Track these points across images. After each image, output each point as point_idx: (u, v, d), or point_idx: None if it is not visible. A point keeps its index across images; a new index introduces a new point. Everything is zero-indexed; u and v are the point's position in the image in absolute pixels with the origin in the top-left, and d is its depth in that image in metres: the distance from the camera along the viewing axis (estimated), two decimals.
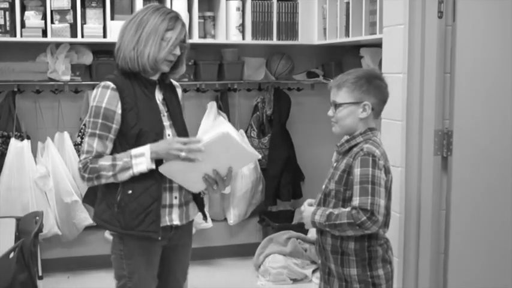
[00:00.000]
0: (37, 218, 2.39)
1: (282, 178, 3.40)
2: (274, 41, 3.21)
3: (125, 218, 1.58)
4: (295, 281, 3.06)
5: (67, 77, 2.99)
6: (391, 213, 1.64)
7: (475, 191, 1.96)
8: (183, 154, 1.53)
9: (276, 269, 3.03)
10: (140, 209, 1.58)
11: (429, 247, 1.97)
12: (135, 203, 1.58)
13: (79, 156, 2.01)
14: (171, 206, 1.64)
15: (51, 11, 2.89)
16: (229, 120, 3.38)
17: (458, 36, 1.91)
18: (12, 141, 2.95)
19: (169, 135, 1.65)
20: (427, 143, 1.96)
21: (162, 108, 1.66)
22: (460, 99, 1.93)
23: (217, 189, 1.62)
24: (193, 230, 2.95)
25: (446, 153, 1.96)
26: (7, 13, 2.85)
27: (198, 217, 3.27)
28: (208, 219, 3.23)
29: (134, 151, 1.56)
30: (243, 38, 3.19)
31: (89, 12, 2.96)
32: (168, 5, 3.04)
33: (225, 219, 3.44)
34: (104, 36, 2.97)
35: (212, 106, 3.32)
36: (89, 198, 2.98)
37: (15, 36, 2.86)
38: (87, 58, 3.07)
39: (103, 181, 1.58)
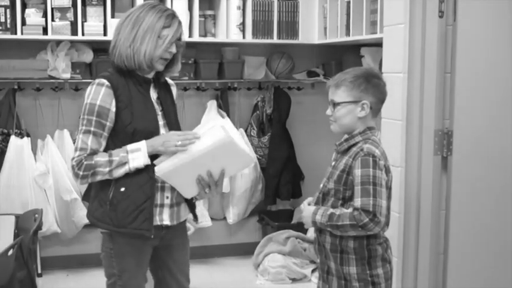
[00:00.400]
0: (36, 215, 2.39)
1: (281, 177, 3.40)
2: (275, 40, 3.20)
3: (117, 215, 1.57)
4: (294, 280, 3.06)
5: (67, 75, 2.99)
6: (390, 213, 1.64)
7: (475, 191, 1.96)
8: (179, 143, 1.52)
9: (275, 268, 3.03)
10: (133, 207, 1.57)
11: (428, 247, 1.97)
12: (128, 201, 1.57)
13: None
14: (162, 205, 1.62)
15: (52, 9, 2.89)
16: (230, 119, 3.38)
17: (458, 36, 1.91)
18: (12, 138, 2.95)
19: (163, 134, 1.63)
20: (427, 143, 1.96)
21: (156, 107, 1.65)
22: (460, 99, 1.93)
23: (209, 193, 1.61)
24: (192, 229, 2.99)
25: (446, 153, 1.96)
26: (8, 10, 2.85)
27: (198, 216, 3.28)
28: (208, 217, 3.27)
29: (130, 146, 1.56)
30: (244, 37, 3.19)
31: (90, 10, 2.96)
32: (168, 4, 3.04)
33: (225, 218, 3.43)
34: (105, 34, 2.97)
35: (212, 105, 3.32)
36: (89, 196, 2.95)
37: (15, 33, 2.86)
38: (88, 56, 3.06)
39: (98, 178, 1.56)
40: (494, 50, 1.95)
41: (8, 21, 2.85)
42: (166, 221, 1.63)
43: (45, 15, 2.90)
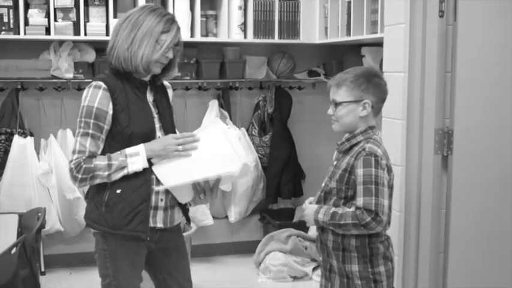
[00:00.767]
0: (39, 214, 2.40)
1: (282, 176, 3.41)
2: (276, 39, 3.21)
3: (112, 217, 1.57)
4: (295, 278, 3.07)
5: (70, 75, 3.01)
6: (392, 211, 1.65)
7: (475, 190, 1.97)
8: (180, 148, 1.52)
9: (277, 266, 3.04)
10: (129, 209, 1.56)
11: (429, 246, 1.98)
12: (124, 203, 1.56)
13: None
14: (156, 208, 1.61)
15: (55, 9, 2.90)
16: (231, 119, 3.39)
17: (459, 36, 1.91)
18: (16, 138, 2.97)
19: (159, 137, 1.63)
20: (428, 142, 1.97)
21: (152, 109, 1.64)
22: (461, 98, 1.93)
23: (203, 199, 1.61)
24: (194, 227, 3.00)
25: (447, 152, 1.96)
26: (11, 11, 2.86)
27: (200, 214, 3.29)
28: (209, 216, 3.27)
29: (129, 150, 1.55)
30: (245, 37, 3.20)
31: (92, 11, 2.98)
32: (170, 4, 3.06)
33: (226, 217, 3.44)
34: (107, 34, 2.98)
35: (214, 104, 3.33)
36: None
37: (18, 34, 2.87)
38: (90, 56, 3.08)
39: (97, 181, 1.56)
40: (494, 49, 1.95)
41: (11, 21, 2.86)
42: (160, 224, 1.62)
43: (47, 15, 2.91)
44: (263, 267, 3.11)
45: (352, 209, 1.53)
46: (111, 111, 1.56)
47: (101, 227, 1.60)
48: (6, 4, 2.85)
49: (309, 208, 1.63)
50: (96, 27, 2.96)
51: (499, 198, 2.00)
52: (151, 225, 1.61)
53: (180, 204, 1.69)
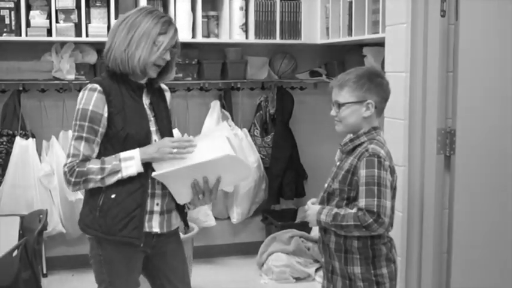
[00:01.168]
0: (41, 216, 2.40)
1: (284, 177, 3.40)
2: (277, 40, 3.21)
3: (106, 222, 1.55)
4: (298, 279, 3.07)
5: (72, 76, 3.01)
6: (394, 213, 1.64)
7: (478, 190, 1.96)
8: (174, 150, 1.51)
9: (279, 267, 3.04)
10: (123, 214, 1.54)
11: (432, 246, 1.97)
12: (118, 208, 1.54)
13: None
14: (151, 212, 1.59)
15: (56, 11, 2.90)
16: (233, 119, 3.39)
17: (461, 35, 1.90)
18: (17, 139, 2.97)
19: (155, 140, 1.61)
20: (430, 142, 1.96)
21: (148, 112, 1.62)
22: (463, 98, 1.93)
23: (202, 200, 1.59)
24: (196, 229, 3.00)
25: (449, 152, 1.96)
26: (12, 12, 2.87)
27: (202, 215, 3.28)
28: (211, 217, 3.27)
29: (123, 154, 1.53)
30: (246, 37, 3.20)
31: (94, 12, 2.98)
32: (171, 5, 3.06)
33: (228, 218, 3.44)
34: None
35: (216, 105, 3.33)
36: None
37: (20, 35, 2.88)
38: (92, 57, 3.08)
39: (90, 185, 1.54)
40: (496, 49, 1.94)
41: (13, 23, 2.87)
42: (156, 229, 1.60)
43: (49, 17, 2.92)
44: (266, 268, 3.10)
45: (354, 210, 1.52)
46: (106, 114, 1.54)
47: (95, 232, 1.58)
48: (8, 6, 2.86)
49: (311, 209, 1.63)
50: (97, 28, 2.96)
51: (502, 198, 1.98)
52: (147, 230, 1.59)
53: (178, 208, 1.67)
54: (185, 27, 3.05)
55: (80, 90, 3.18)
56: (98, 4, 2.97)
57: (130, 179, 1.54)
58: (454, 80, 1.94)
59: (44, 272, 3.06)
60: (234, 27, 3.17)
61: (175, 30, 1.61)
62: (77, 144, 1.55)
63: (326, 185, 1.66)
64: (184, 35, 3.01)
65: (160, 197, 1.61)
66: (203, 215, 3.21)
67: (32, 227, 2.35)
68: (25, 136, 3.02)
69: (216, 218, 3.32)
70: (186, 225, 1.74)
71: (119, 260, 1.60)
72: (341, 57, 3.33)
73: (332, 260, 1.64)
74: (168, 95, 1.75)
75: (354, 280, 1.59)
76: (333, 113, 1.63)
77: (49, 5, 2.92)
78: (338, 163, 1.65)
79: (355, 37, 2.85)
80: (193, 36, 3.12)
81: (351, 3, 2.88)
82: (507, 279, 2.00)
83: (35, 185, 2.96)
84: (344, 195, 1.59)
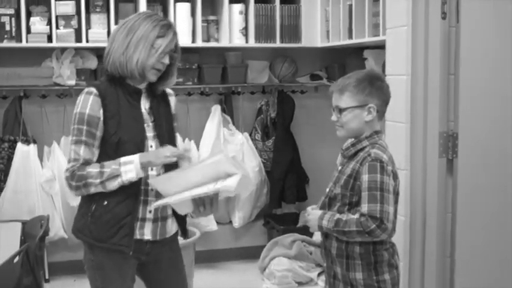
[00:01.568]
0: (42, 222, 2.40)
1: (286, 181, 3.40)
2: (278, 44, 3.21)
3: (97, 228, 1.55)
4: (300, 284, 3.05)
5: (72, 82, 3.01)
6: (397, 217, 1.63)
7: (481, 193, 1.95)
8: (174, 159, 1.50)
9: (281, 272, 3.02)
10: (114, 221, 1.53)
11: (435, 251, 1.96)
12: (109, 214, 1.54)
13: None
14: (143, 219, 1.57)
15: (56, 17, 2.91)
16: (234, 124, 3.39)
17: (462, 37, 1.90)
18: (19, 145, 2.97)
19: (151, 146, 1.59)
20: (432, 145, 1.95)
21: (147, 117, 1.60)
22: (465, 101, 1.92)
23: (203, 212, 1.58)
24: (198, 233, 2.99)
25: (452, 156, 1.94)
26: (13, 19, 2.88)
27: (204, 220, 3.27)
28: (213, 221, 3.26)
29: (123, 159, 1.52)
30: (247, 41, 3.19)
31: (94, 17, 2.99)
32: (171, 9, 3.06)
33: (230, 222, 3.43)
34: None
35: (216, 110, 3.33)
36: None
37: (20, 41, 2.88)
38: (92, 63, 3.09)
39: (92, 189, 1.52)
40: (497, 51, 1.94)
41: (13, 29, 2.88)
42: (148, 236, 1.58)
43: (49, 23, 2.93)
44: (268, 273, 3.09)
45: (357, 215, 1.51)
46: (102, 117, 1.54)
47: (85, 237, 1.58)
48: (8, 12, 2.87)
49: (312, 214, 1.61)
50: (97, 34, 2.97)
51: (505, 201, 1.97)
52: (138, 237, 1.57)
53: (176, 216, 1.65)
54: (185, 31, 3.05)
55: None
56: (97, 10, 2.98)
57: (123, 186, 1.52)
58: (456, 82, 1.93)
59: (46, 277, 3.06)
60: (234, 32, 3.17)
61: (175, 34, 1.59)
62: (76, 149, 1.54)
63: (327, 190, 1.65)
64: (184, 40, 3.01)
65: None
66: (205, 220, 3.21)
67: (33, 233, 2.35)
68: (26, 142, 3.02)
69: (217, 223, 3.31)
70: (184, 233, 1.71)
71: (110, 267, 1.59)
72: (342, 61, 3.33)
73: (334, 266, 1.62)
74: (173, 99, 1.72)
75: (355, 286, 1.58)
76: (333, 118, 1.62)
77: (49, 11, 2.93)
78: (340, 167, 1.64)
79: (355, 40, 2.84)
80: (193, 40, 3.12)
81: (351, 6, 2.88)
82: (511, 284, 1.98)
83: (37, 190, 2.97)
84: (346, 200, 1.58)
